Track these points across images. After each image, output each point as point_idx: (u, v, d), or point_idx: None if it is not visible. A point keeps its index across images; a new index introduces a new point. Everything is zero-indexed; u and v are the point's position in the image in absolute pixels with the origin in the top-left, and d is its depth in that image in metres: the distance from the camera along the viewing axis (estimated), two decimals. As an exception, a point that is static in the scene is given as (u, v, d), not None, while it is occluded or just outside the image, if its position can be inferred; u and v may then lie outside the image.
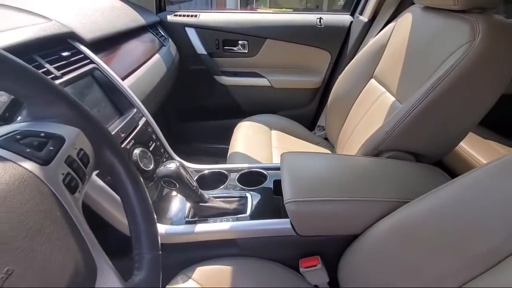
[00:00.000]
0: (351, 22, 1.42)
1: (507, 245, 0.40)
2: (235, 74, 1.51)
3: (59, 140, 0.29)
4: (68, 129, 0.30)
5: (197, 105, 1.59)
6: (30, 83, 0.28)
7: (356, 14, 1.41)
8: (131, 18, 1.07)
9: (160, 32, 1.31)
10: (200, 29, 1.44)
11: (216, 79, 1.50)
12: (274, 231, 0.63)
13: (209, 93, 1.53)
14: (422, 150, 0.76)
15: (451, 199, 0.48)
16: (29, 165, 0.25)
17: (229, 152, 1.08)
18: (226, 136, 1.21)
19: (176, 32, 1.43)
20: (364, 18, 1.32)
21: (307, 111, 1.57)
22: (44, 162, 0.26)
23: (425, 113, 0.69)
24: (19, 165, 0.24)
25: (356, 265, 0.60)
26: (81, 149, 0.31)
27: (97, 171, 0.35)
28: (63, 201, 0.26)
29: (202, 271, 0.62)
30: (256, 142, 1.13)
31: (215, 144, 1.59)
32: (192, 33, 1.44)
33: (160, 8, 1.45)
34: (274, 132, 1.21)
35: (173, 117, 1.61)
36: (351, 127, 1.06)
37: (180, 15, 1.45)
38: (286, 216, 0.62)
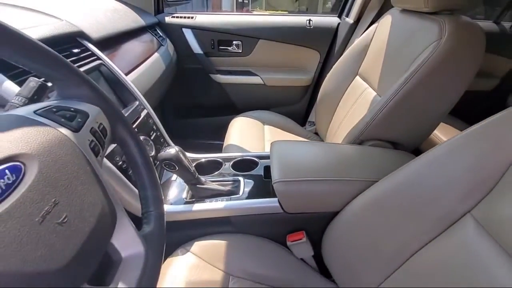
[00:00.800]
0: (339, 24, 1.49)
1: (459, 208, 0.48)
2: (229, 73, 1.57)
3: (85, 115, 0.36)
4: (90, 107, 0.38)
5: (193, 102, 1.65)
6: (63, 69, 0.35)
7: (343, 16, 1.49)
8: (132, 19, 1.14)
9: (158, 33, 1.38)
10: (196, 30, 1.50)
11: (211, 77, 1.56)
12: (263, 209, 0.70)
13: (205, 91, 1.60)
14: (399, 138, 0.83)
15: (412, 174, 0.55)
16: (64, 130, 0.32)
17: (224, 144, 1.15)
18: (221, 132, 1.26)
19: (174, 33, 1.49)
20: (350, 20, 1.39)
21: (299, 108, 1.64)
22: (75, 130, 0.33)
23: (399, 105, 0.76)
24: (57, 130, 0.31)
25: (336, 239, 0.67)
26: (100, 123, 0.38)
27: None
28: (90, 161, 0.33)
29: (199, 245, 0.68)
30: (249, 135, 1.19)
31: (211, 140, 1.66)
32: (188, 34, 1.51)
33: (158, 10, 1.52)
34: (267, 127, 1.28)
35: (171, 114, 1.67)
36: (338, 121, 1.13)
37: (177, 17, 1.51)
38: (274, 196, 0.69)
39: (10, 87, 0.50)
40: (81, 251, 0.27)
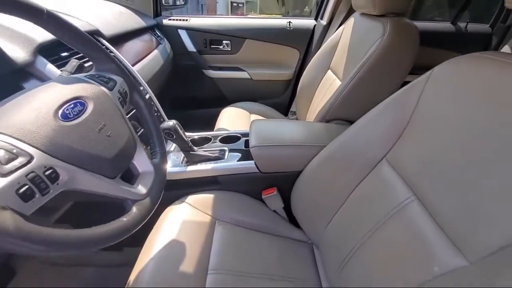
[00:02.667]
0: (315, 25, 1.69)
1: (378, 155, 0.66)
2: (220, 69, 1.75)
3: (114, 81, 0.54)
4: (117, 77, 0.55)
5: (188, 95, 1.83)
6: (100, 52, 0.54)
7: (319, 18, 1.68)
8: (135, 21, 1.32)
9: (157, 33, 1.56)
10: (191, 31, 1.68)
11: (204, 73, 1.74)
12: (243, 169, 0.88)
13: (198, 85, 1.77)
14: (356, 117, 1.02)
15: (349, 135, 0.74)
16: (104, 88, 0.50)
17: (215, 129, 1.33)
18: (213, 122, 1.42)
19: (170, 33, 1.67)
20: (324, 22, 1.59)
21: (282, 100, 1.82)
22: (110, 89, 0.51)
23: (354, 89, 0.95)
24: (100, 87, 0.49)
25: (300, 193, 0.84)
26: (123, 88, 0.56)
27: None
28: (120, 109, 0.51)
29: (193, 198, 0.85)
30: (237, 122, 1.36)
31: (204, 129, 1.83)
32: (183, 34, 1.69)
33: (157, 14, 1.69)
34: (253, 116, 1.45)
35: (167, 106, 1.84)
36: (314, 109, 1.31)
37: (173, 19, 1.70)
38: (251, 159, 0.87)
39: (51, 68, 0.67)
40: (119, 153, 0.45)
